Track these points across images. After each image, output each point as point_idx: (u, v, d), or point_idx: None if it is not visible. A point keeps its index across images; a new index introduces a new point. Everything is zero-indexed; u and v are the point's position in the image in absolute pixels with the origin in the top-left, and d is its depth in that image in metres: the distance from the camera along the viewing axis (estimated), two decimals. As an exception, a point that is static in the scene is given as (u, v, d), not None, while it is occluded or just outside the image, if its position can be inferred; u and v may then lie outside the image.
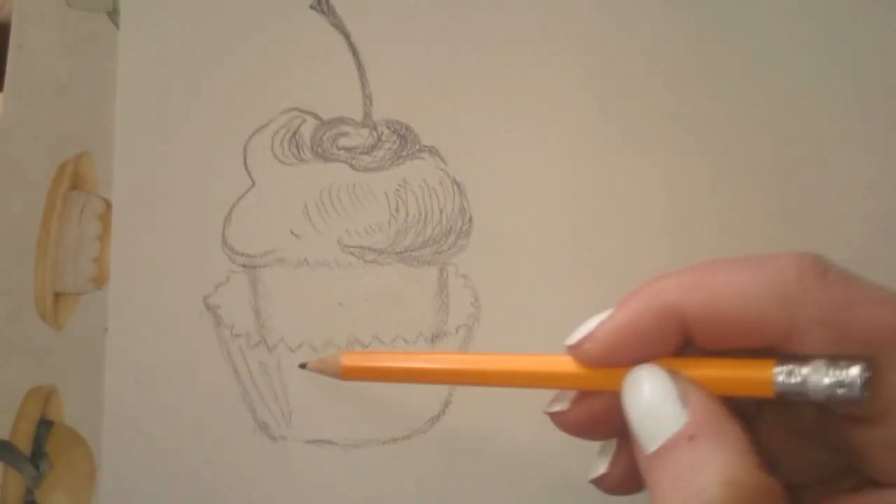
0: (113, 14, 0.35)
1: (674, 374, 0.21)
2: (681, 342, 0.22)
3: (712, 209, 0.34)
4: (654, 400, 0.21)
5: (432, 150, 0.34)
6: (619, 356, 0.22)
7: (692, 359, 0.22)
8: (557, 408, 0.24)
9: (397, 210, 0.33)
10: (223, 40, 0.34)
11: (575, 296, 0.33)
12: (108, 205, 0.34)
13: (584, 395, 0.24)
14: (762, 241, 0.34)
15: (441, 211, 0.33)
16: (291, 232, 0.33)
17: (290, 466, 0.33)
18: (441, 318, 0.33)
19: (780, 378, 0.21)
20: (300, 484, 0.33)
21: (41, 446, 0.33)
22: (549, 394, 0.25)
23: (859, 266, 0.33)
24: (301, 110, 0.34)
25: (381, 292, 0.33)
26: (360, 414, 0.33)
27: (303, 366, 0.31)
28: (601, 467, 0.24)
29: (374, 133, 0.33)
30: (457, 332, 0.33)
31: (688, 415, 0.20)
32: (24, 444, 0.34)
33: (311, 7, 0.34)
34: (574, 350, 0.23)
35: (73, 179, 0.34)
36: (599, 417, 0.24)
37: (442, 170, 0.33)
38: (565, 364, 0.23)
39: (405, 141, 0.33)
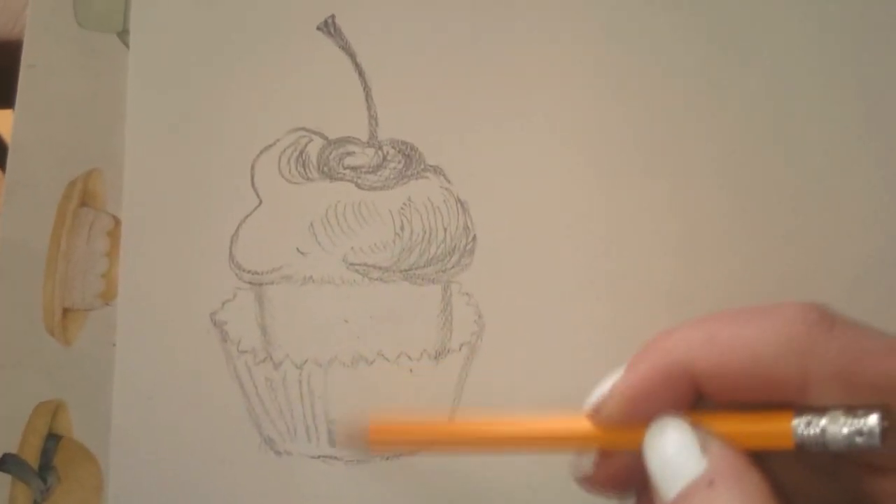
0: (123, 34, 0.35)
1: (694, 423, 0.22)
2: (694, 397, 0.22)
3: (719, 228, 0.34)
4: (674, 447, 0.21)
5: (437, 170, 0.34)
6: (636, 415, 0.23)
7: (711, 413, 0.22)
8: (583, 473, 0.25)
9: (402, 228, 0.34)
10: (231, 61, 0.35)
11: (578, 315, 0.33)
12: (117, 222, 0.35)
13: (604, 456, 0.25)
14: (772, 261, 0.34)
15: (445, 229, 0.34)
16: (297, 250, 0.34)
17: (295, 481, 0.33)
18: (445, 336, 0.34)
19: (800, 430, 0.21)
20: (305, 499, 0.33)
21: (49, 460, 0.34)
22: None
23: (871, 285, 0.33)
24: (308, 130, 0.34)
25: (385, 310, 0.34)
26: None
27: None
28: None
29: (380, 152, 0.34)
30: (460, 349, 0.34)
31: (707, 461, 0.21)
32: (33, 458, 0.34)
33: (318, 29, 0.34)
34: (594, 415, 0.24)
35: (83, 196, 0.35)
36: (621, 475, 0.24)
37: (446, 189, 0.34)
38: (587, 427, 0.24)
39: (410, 160, 0.34)
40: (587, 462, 0.25)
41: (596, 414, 0.24)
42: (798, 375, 0.21)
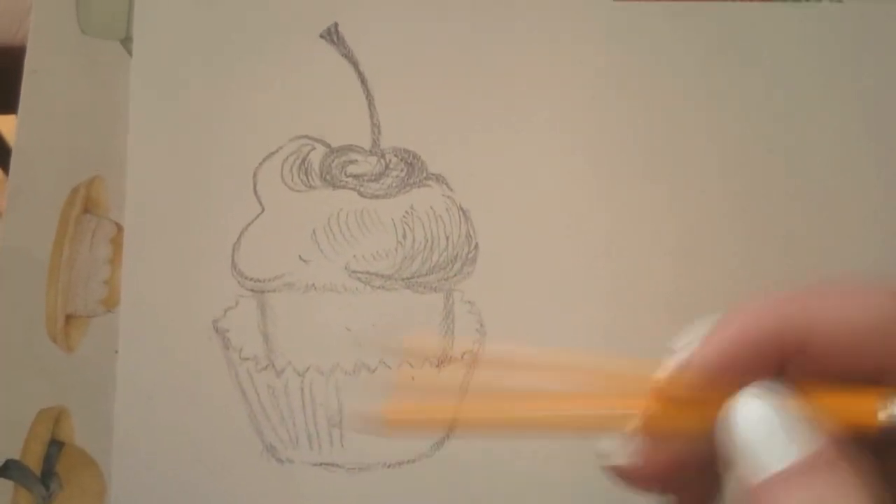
0: (126, 41, 0.35)
1: (793, 398, 0.19)
2: (775, 373, 0.20)
3: (720, 233, 0.34)
4: (770, 424, 0.19)
5: (439, 178, 0.34)
6: (717, 384, 0.20)
7: (799, 385, 0.20)
8: (627, 463, 0.21)
9: (404, 237, 0.34)
10: (234, 68, 0.35)
11: (580, 322, 0.34)
12: (120, 228, 0.35)
13: (657, 441, 0.21)
14: (772, 263, 0.34)
15: (447, 238, 0.34)
16: (300, 257, 0.34)
17: (296, 489, 0.33)
18: (446, 344, 0.34)
19: (886, 412, 0.19)
20: (306, 506, 0.34)
21: (51, 466, 0.34)
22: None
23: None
24: (310, 138, 0.34)
25: (387, 317, 0.34)
26: (366, 438, 0.33)
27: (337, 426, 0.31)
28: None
29: (382, 161, 0.34)
30: (462, 357, 0.34)
31: (810, 443, 0.18)
32: (35, 464, 0.34)
33: (321, 37, 0.34)
34: (665, 386, 0.20)
35: (86, 203, 0.35)
36: (674, 467, 0.21)
37: (448, 197, 0.34)
38: (644, 402, 0.20)
39: (412, 168, 0.34)
40: (632, 450, 0.21)
41: (668, 385, 0.20)
42: (891, 351, 0.19)
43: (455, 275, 0.34)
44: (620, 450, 0.21)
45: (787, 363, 0.20)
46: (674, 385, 0.20)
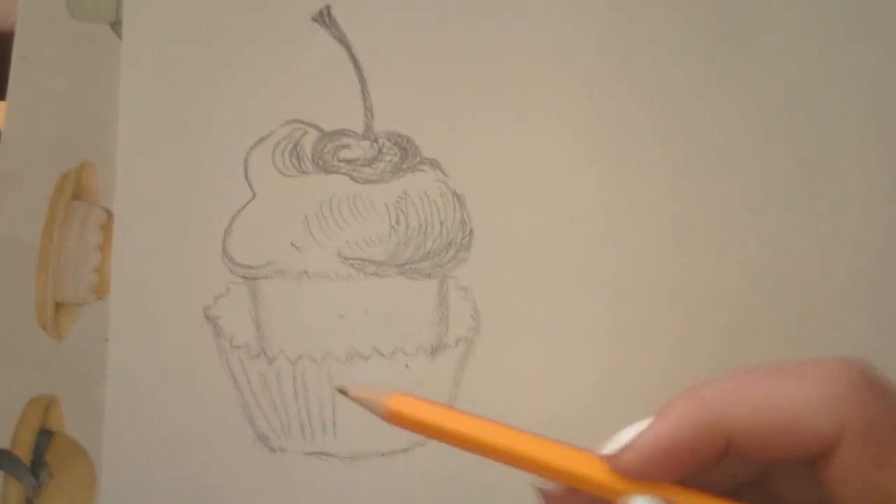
0: (116, 25, 0.35)
1: None
2: (721, 455, 0.22)
3: (718, 226, 0.34)
4: None
5: (433, 163, 0.34)
6: (657, 468, 0.22)
7: (703, 497, 0.22)
8: (550, 487, 0.24)
9: (398, 222, 0.33)
10: (225, 52, 0.34)
11: (575, 309, 0.33)
12: (110, 215, 0.34)
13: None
14: (772, 259, 0.33)
15: (441, 223, 0.33)
16: (292, 244, 0.33)
17: (289, 478, 0.33)
18: (441, 331, 0.33)
19: None
20: (299, 496, 0.33)
21: (41, 456, 0.34)
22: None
23: (871, 284, 0.33)
24: (302, 122, 0.34)
25: (381, 304, 0.33)
26: (360, 426, 0.33)
27: (342, 391, 0.30)
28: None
29: (375, 145, 0.33)
30: (456, 344, 0.33)
31: None
32: (25, 454, 0.34)
33: (314, 19, 0.34)
34: (611, 459, 0.22)
35: (75, 189, 0.35)
36: None
37: (443, 182, 0.34)
38: (596, 468, 0.22)
39: (406, 153, 0.33)
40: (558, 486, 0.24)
41: (614, 458, 0.22)
42: (834, 434, 0.20)
43: (449, 261, 0.33)
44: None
45: (735, 447, 0.21)
46: (618, 461, 0.22)
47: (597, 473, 0.22)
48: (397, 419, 0.25)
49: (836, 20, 0.34)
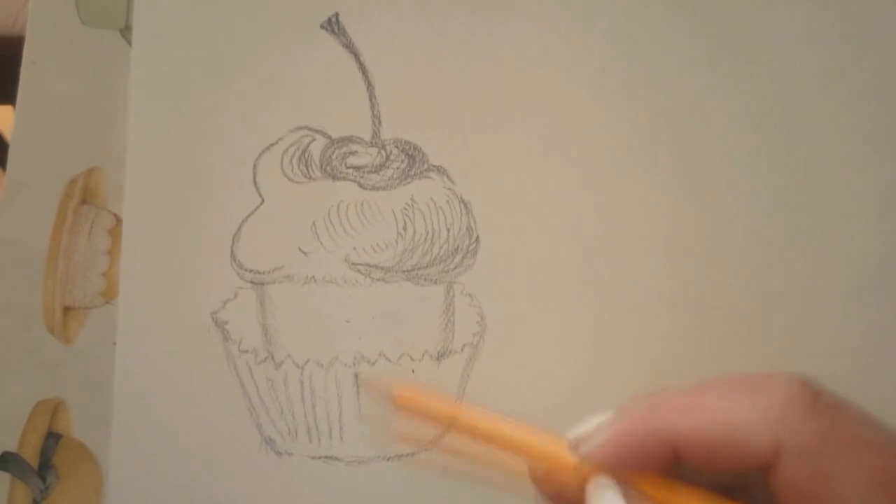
0: (125, 31, 0.35)
1: (628, 490, 0.23)
2: (671, 460, 0.23)
3: (721, 232, 0.34)
4: None
5: (440, 170, 0.34)
6: (609, 462, 0.23)
7: (666, 482, 0.23)
8: (537, 475, 0.26)
9: (405, 229, 0.33)
10: (234, 58, 0.34)
11: (580, 316, 0.33)
12: (118, 220, 0.34)
13: (555, 475, 0.25)
14: (773, 260, 0.34)
15: (448, 230, 0.34)
16: (299, 249, 0.33)
17: (295, 482, 0.33)
18: (447, 337, 0.33)
19: None
20: (305, 499, 0.33)
21: (49, 459, 0.34)
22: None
23: (870, 289, 0.33)
24: (311, 129, 0.34)
25: (387, 310, 0.33)
26: (365, 430, 0.33)
27: (356, 377, 0.32)
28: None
29: (383, 152, 0.34)
30: (462, 350, 0.33)
31: None
32: (32, 457, 0.34)
33: (322, 27, 0.34)
34: (572, 443, 0.24)
35: (84, 194, 0.35)
36: (565, 497, 0.25)
37: (450, 189, 0.34)
38: (565, 451, 0.25)
39: (413, 160, 0.34)
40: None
41: (574, 446, 0.24)
42: (772, 449, 0.21)
43: (455, 267, 0.33)
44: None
45: (681, 456, 0.22)
46: (576, 447, 0.24)
47: (568, 456, 0.24)
48: (404, 404, 0.27)
49: (835, 30, 0.35)
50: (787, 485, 0.21)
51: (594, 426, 0.24)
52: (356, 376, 0.32)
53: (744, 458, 0.21)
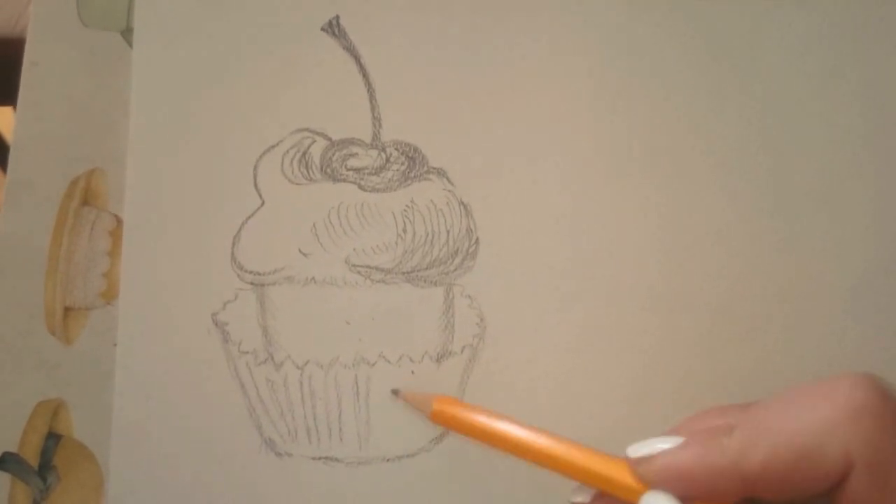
0: (127, 33, 0.35)
1: None
2: (740, 493, 0.22)
3: (719, 235, 0.34)
4: None
5: (440, 172, 0.34)
6: (671, 487, 0.23)
7: None
8: (580, 499, 0.26)
9: (405, 230, 0.34)
10: (235, 60, 0.34)
11: (579, 317, 0.34)
12: (119, 221, 0.35)
13: (606, 497, 0.25)
14: (770, 265, 0.34)
15: (448, 232, 0.34)
16: (300, 251, 0.34)
17: (295, 483, 0.33)
18: (447, 338, 0.34)
19: None
20: (305, 500, 0.33)
21: (49, 459, 0.34)
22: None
23: (867, 293, 0.33)
24: (311, 131, 0.34)
25: (387, 311, 0.34)
26: (365, 432, 0.33)
27: (395, 392, 0.32)
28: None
29: (383, 154, 0.34)
30: (462, 351, 0.34)
31: None
32: (32, 457, 0.34)
33: (323, 29, 0.34)
34: (633, 462, 0.24)
35: (85, 195, 0.35)
36: None
37: (449, 191, 0.34)
38: (619, 470, 0.24)
39: (413, 162, 0.34)
40: (586, 492, 0.26)
41: (635, 464, 0.24)
42: (842, 465, 0.20)
43: (455, 269, 0.34)
44: (578, 491, 0.26)
45: (756, 491, 0.21)
46: (637, 467, 0.24)
47: (622, 476, 0.24)
48: (442, 419, 0.28)
49: (830, 35, 0.35)
50: (855, 501, 0.20)
51: (660, 449, 0.23)
52: (394, 392, 0.32)
53: (817, 480, 0.20)
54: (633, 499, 0.24)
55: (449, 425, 0.28)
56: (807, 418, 0.21)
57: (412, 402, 0.30)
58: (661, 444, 0.23)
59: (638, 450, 0.24)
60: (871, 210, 0.34)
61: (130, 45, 0.35)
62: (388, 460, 0.33)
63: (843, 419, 0.20)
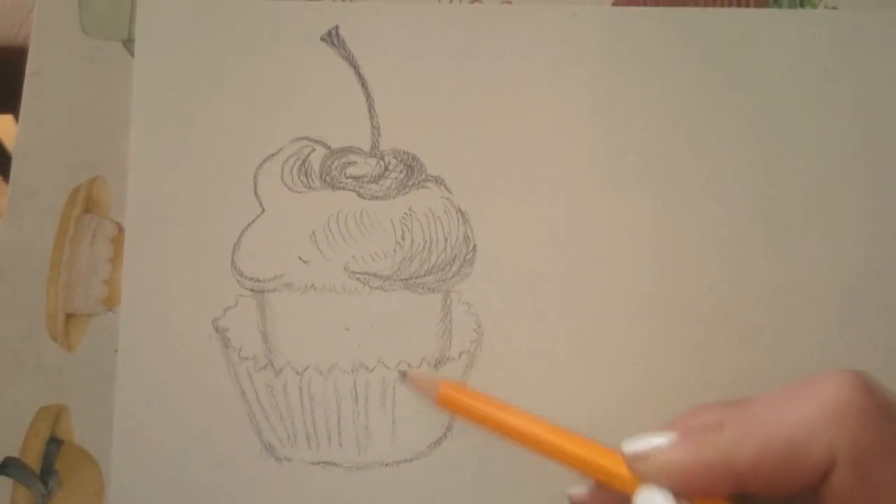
0: (128, 42, 0.36)
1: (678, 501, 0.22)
2: (733, 486, 0.22)
3: (713, 242, 0.35)
4: None
5: (438, 180, 0.34)
6: (670, 485, 0.23)
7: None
8: (577, 491, 0.26)
9: (403, 238, 0.34)
10: (235, 70, 0.35)
11: (575, 324, 0.34)
12: (121, 228, 0.35)
13: (603, 489, 0.25)
14: (765, 272, 0.34)
15: (446, 239, 0.34)
16: (299, 258, 0.34)
17: (294, 488, 0.34)
18: (444, 344, 0.34)
19: None
20: (304, 505, 0.34)
21: (51, 464, 0.34)
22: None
23: (860, 300, 0.34)
24: (311, 139, 0.34)
25: (386, 318, 0.34)
26: (363, 437, 0.34)
27: (403, 374, 0.33)
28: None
29: (382, 162, 0.34)
30: (459, 357, 0.34)
31: None
32: (34, 462, 0.34)
33: (322, 39, 0.35)
34: (628, 458, 0.24)
35: (87, 203, 0.35)
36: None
37: (447, 199, 0.34)
38: (615, 462, 0.25)
39: (412, 170, 0.34)
40: (585, 486, 0.26)
41: (631, 459, 0.24)
42: (825, 461, 0.20)
43: (453, 276, 0.34)
44: (577, 485, 0.26)
45: (748, 486, 0.22)
46: (636, 461, 0.24)
47: (618, 468, 0.25)
48: (447, 402, 0.28)
49: (831, 38, 0.35)
50: (836, 497, 0.20)
51: (655, 445, 0.23)
52: (401, 374, 0.33)
53: (804, 475, 0.21)
54: (630, 489, 0.24)
55: (454, 409, 0.29)
56: (794, 414, 0.21)
57: (419, 385, 0.30)
58: (654, 439, 0.24)
59: (632, 444, 0.24)
60: (864, 219, 0.35)
61: (132, 54, 0.35)
62: (386, 465, 0.34)
63: (827, 416, 0.20)
